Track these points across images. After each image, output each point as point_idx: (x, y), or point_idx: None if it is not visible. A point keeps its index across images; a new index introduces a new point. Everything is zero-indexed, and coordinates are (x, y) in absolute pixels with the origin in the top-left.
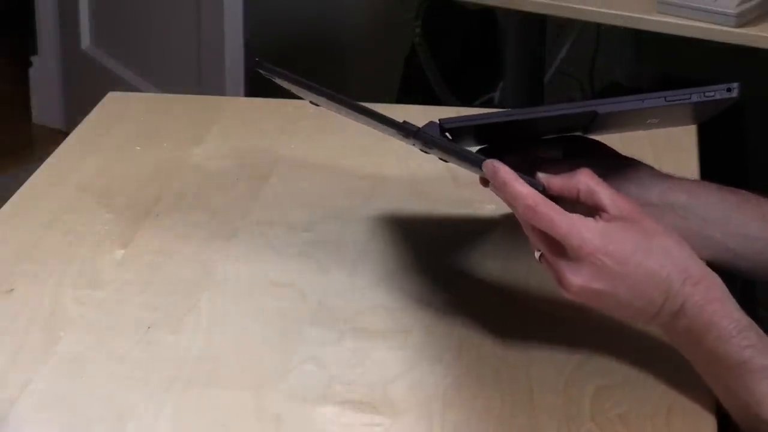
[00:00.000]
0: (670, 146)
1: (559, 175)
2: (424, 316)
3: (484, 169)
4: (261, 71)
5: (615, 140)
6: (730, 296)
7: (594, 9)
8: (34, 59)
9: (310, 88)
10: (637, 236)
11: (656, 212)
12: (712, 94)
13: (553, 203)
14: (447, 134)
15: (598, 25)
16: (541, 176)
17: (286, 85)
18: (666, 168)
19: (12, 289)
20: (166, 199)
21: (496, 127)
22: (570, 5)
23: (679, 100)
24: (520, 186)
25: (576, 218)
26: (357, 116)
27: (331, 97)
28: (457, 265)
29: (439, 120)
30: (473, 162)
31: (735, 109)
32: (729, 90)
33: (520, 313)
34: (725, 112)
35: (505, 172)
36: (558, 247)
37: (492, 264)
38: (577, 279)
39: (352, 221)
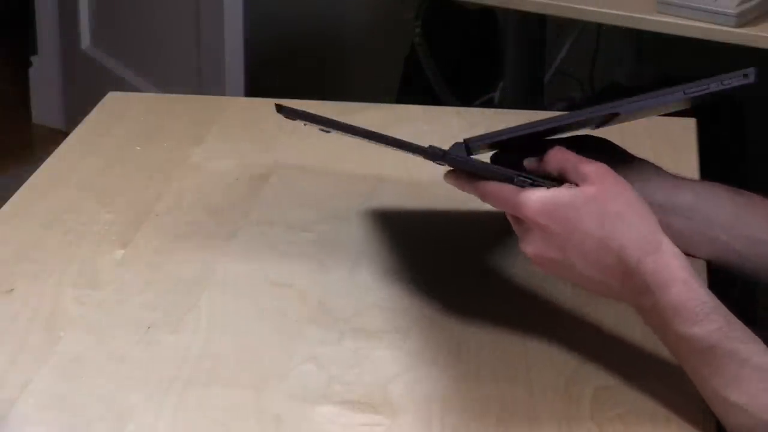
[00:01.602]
0: (670, 145)
1: (534, 160)
2: (423, 316)
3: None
4: (282, 114)
5: (615, 137)
6: (696, 275)
7: (594, 9)
8: (34, 59)
9: (331, 124)
10: (591, 205)
11: (660, 212)
12: (729, 82)
13: (500, 183)
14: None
15: (598, 25)
16: (525, 163)
17: (307, 123)
18: (665, 168)
19: (12, 289)
20: (166, 199)
21: (519, 138)
22: (570, 5)
23: (699, 91)
24: (469, 186)
25: (524, 191)
26: (382, 144)
27: (353, 131)
28: (456, 265)
29: (464, 140)
30: (502, 178)
31: (735, 109)
32: (746, 76)
33: (519, 314)
34: (725, 112)
35: (454, 179)
36: (521, 223)
37: (491, 264)
38: (528, 247)
39: (351, 221)
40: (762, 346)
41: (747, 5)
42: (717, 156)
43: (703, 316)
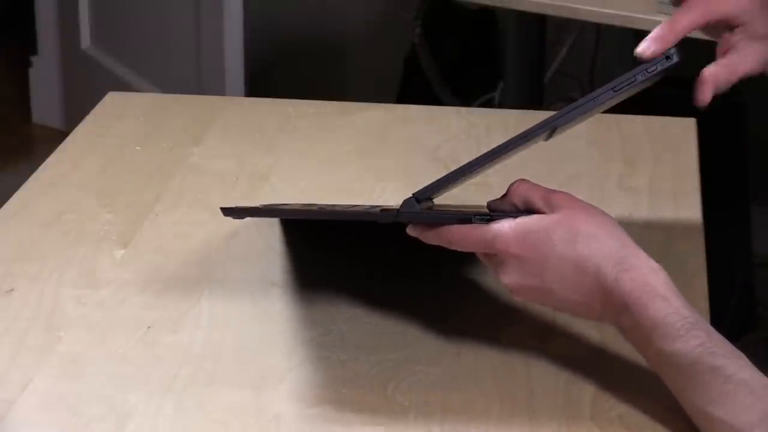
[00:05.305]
0: (669, 145)
1: (497, 199)
2: (423, 315)
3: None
4: (231, 216)
5: (614, 137)
6: (675, 290)
7: (594, 9)
8: (34, 59)
9: (282, 213)
10: (562, 228)
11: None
12: (654, 68)
13: (464, 226)
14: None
15: (598, 25)
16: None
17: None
18: (665, 168)
19: (12, 289)
20: (166, 199)
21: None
22: (569, 5)
23: (626, 85)
24: (433, 235)
25: (492, 224)
26: (337, 218)
27: (306, 212)
28: (456, 265)
29: (413, 194)
30: (460, 221)
31: (735, 109)
32: (668, 58)
33: (519, 313)
34: (726, 111)
35: (414, 231)
36: (493, 258)
37: None
38: (506, 278)
39: (351, 221)
40: (744, 360)
41: None
42: (717, 156)
43: (684, 331)
